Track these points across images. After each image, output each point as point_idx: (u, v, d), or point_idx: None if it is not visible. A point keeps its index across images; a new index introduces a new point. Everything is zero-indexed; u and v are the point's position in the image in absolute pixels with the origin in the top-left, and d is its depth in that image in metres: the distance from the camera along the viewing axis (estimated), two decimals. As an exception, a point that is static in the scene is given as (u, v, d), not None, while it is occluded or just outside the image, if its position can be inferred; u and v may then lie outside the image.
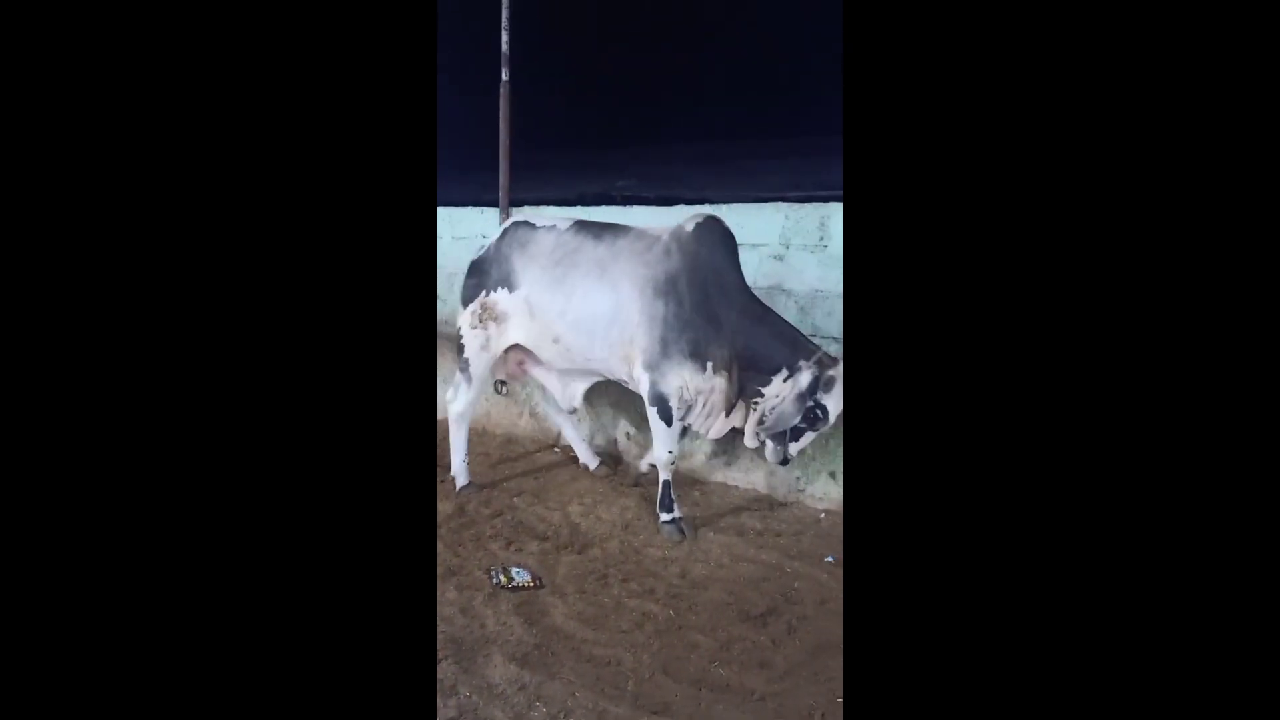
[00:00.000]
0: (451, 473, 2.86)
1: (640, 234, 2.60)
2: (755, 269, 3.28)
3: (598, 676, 1.77)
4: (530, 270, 2.67)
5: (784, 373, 2.39)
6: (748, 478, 3.02)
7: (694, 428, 2.57)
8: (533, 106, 4.10)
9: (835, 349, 3.13)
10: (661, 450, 2.53)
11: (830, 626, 2.01)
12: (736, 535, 2.59)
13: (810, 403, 2.32)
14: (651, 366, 2.44)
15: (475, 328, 2.77)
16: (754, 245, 3.31)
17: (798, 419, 2.34)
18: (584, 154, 4.98)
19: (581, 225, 2.70)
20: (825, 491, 2.83)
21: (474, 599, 2.10)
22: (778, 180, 3.78)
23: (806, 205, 3.14)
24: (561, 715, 1.64)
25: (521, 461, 3.25)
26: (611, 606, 2.09)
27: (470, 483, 2.88)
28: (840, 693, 1.73)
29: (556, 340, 2.64)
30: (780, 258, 3.24)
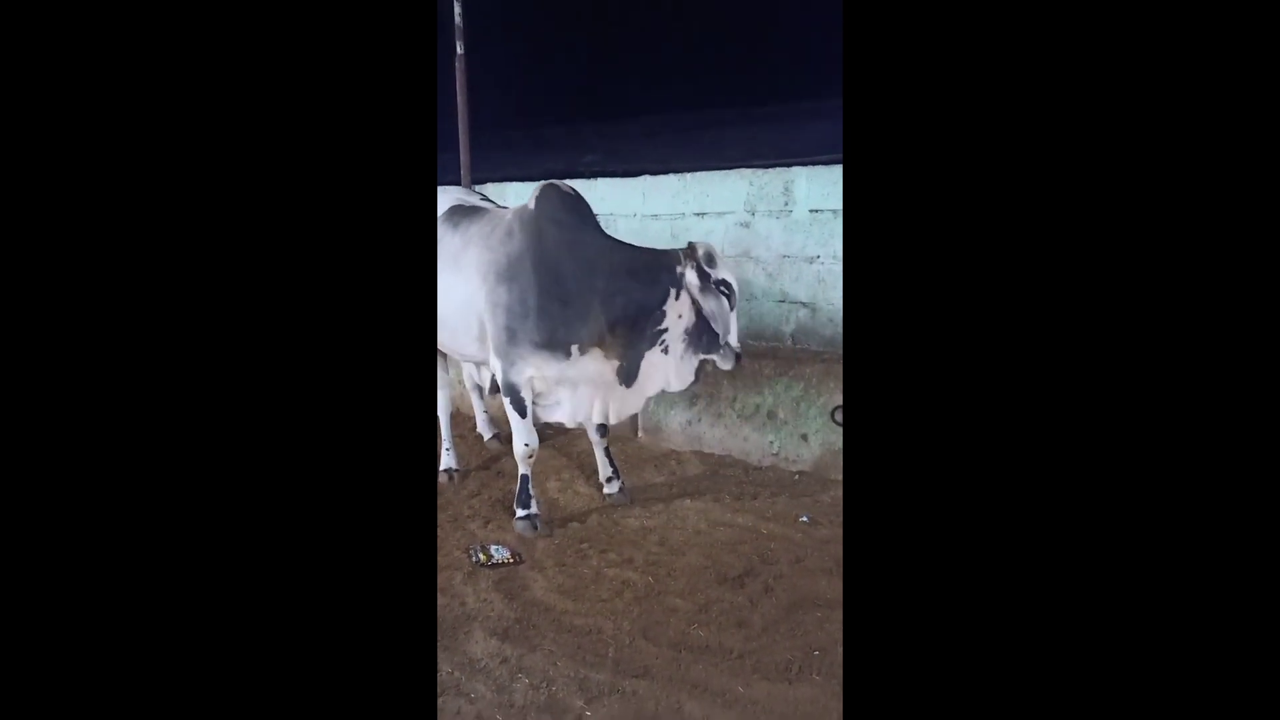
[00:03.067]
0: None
1: (490, 216, 2.45)
2: (722, 236, 3.29)
3: (578, 646, 1.80)
4: None
5: (671, 294, 2.22)
6: (723, 444, 3.05)
7: (609, 416, 2.43)
8: (492, 81, 4.01)
9: (804, 313, 3.15)
10: (518, 443, 2.36)
11: (804, 584, 2.05)
12: (713, 501, 2.62)
13: (715, 286, 2.20)
14: (500, 354, 2.29)
15: None
16: (720, 213, 3.31)
17: (715, 312, 2.21)
18: (549, 129, 4.90)
19: (451, 211, 2.52)
20: (798, 453, 2.87)
21: (453, 578, 2.11)
22: (741, 149, 3.77)
23: (770, 171, 3.14)
24: (544, 685, 1.66)
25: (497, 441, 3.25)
26: (591, 577, 2.11)
27: (449, 469, 2.86)
28: (817, 645, 1.78)
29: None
30: (746, 225, 3.24)
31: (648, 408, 3.00)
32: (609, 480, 2.63)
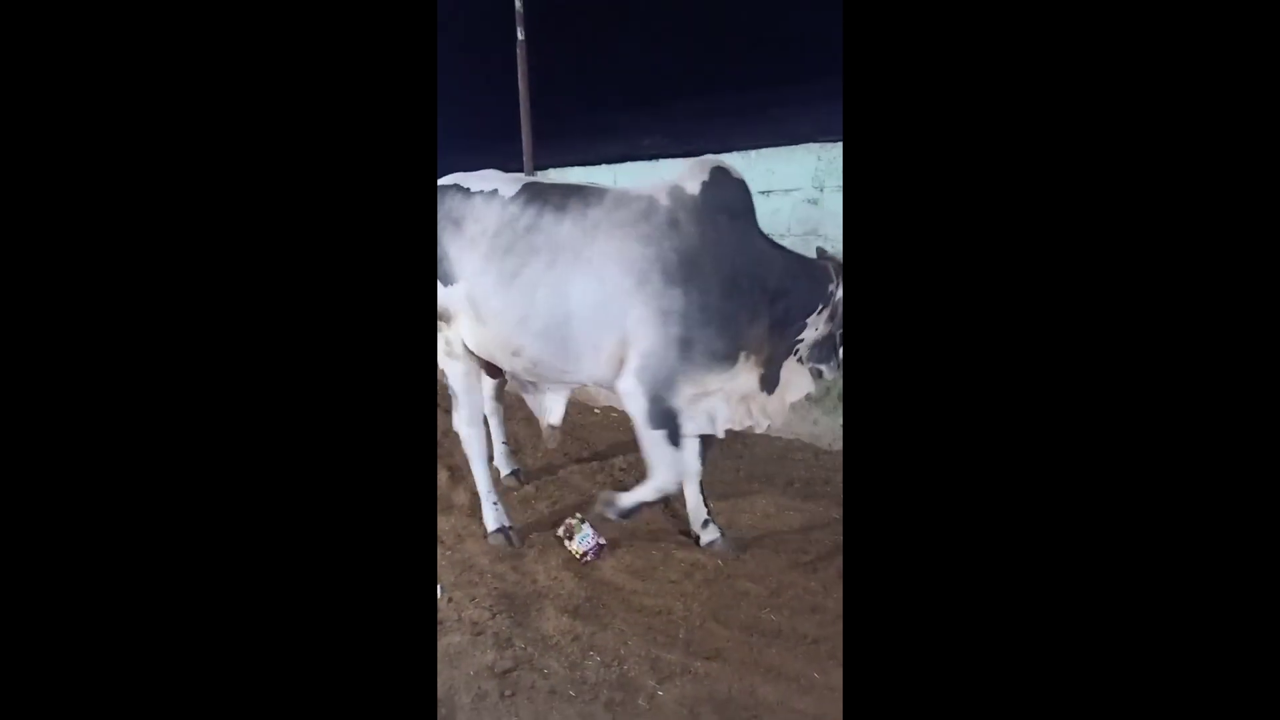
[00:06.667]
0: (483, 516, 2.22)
1: (621, 197, 1.94)
2: (789, 215, 3.19)
3: (649, 625, 1.79)
4: (468, 258, 1.96)
5: (818, 307, 1.94)
6: (790, 428, 2.98)
7: (757, 420, 2.06)
8: (551, 67, 4.02)
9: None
10: (667, 478, 1.94)
11: (882, 570, 1.98)
12: (784, 484, 2.56)
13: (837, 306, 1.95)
14: (657, 376, 1.84)
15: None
16: (786, 190, 3.22)
17: (837, 328, 1.97)
18: (607, 114, 4.88)
19: (534, 191, 1.99)
20: (871, 438, 2.77)
21: (524, 556, 2.14)
22: (809, 126, 3.64)
23: (839, 145, 3.02)
24: (615, 664, 1.66)
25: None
26: (660, 559, 2.10)
27: (504, 528, 2.19)
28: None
29: (517, 353, 1.98)
30: (815, 202, 3.13)
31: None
32: (705, 525, 2.16)
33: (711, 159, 2.01)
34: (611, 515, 2.04)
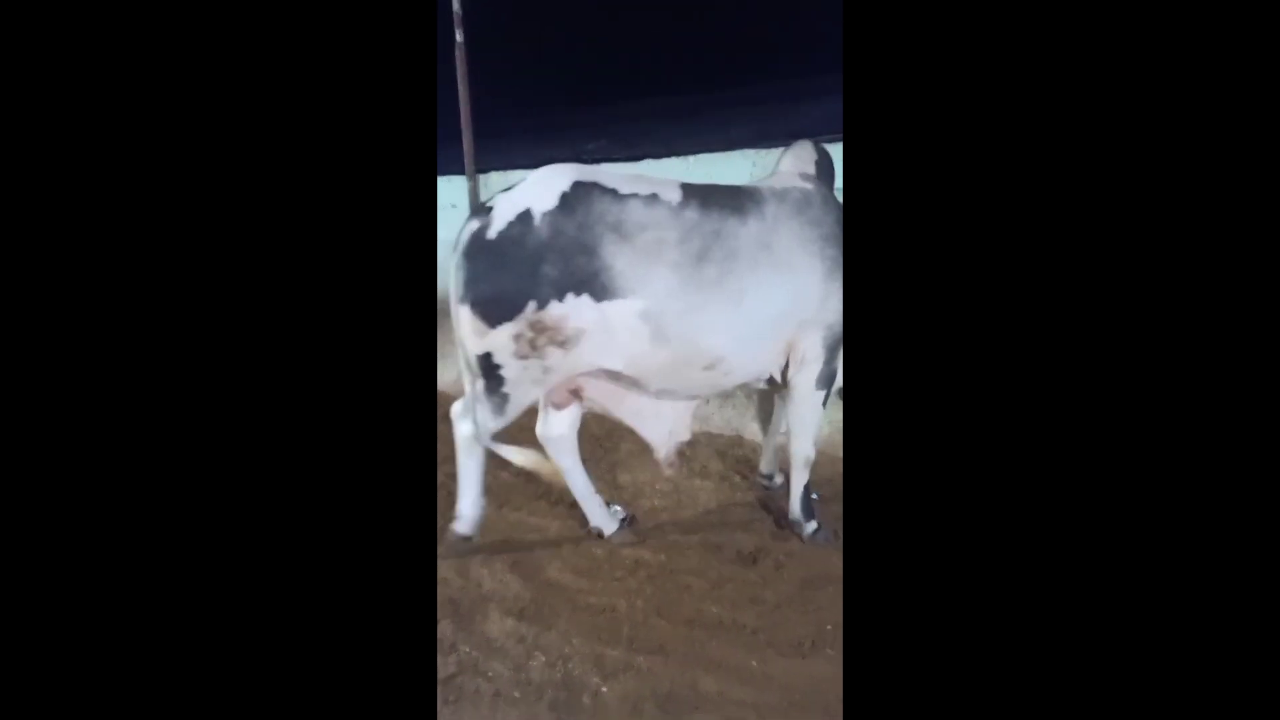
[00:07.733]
0: (454, 517, 2.07)
1: (774, 191, 2.02)
2: (727, 219, 3.26)
3: (593, 624, 1.82)
4: (651, 272, 1.79)
5: None
6: (731, 425, 3.05)
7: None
8: (494, 70, 4.00)
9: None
10: (810, 445, 2.12)
11: (818, 560, 2.06)
12: (721, 480, 2.63)
13: None
14: (837, 341, 1.99)
15: (525, 357, 1.81)
16: (725, 195, 3.29)
17: None
18: (549, 116, 4.89)
19: (700, 193, 1.91)
20: (809, 434, 2.87)
21: (470, 561, 2.13)
22: (747, 130, 3.74)
23: (774, 151, 3.11)
24: (560, 663, 1.68)
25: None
26: (604, 557, 2.13)
27: (471, 536, 2.08)
28: (829, 621, 1.79)
29: (712, 365, 1.91)
30: (752, 206, 3.22)
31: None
32: (810, 518, 2.20)
33: (802, 141, 2.24)
34: (808, 523, 2.17)
